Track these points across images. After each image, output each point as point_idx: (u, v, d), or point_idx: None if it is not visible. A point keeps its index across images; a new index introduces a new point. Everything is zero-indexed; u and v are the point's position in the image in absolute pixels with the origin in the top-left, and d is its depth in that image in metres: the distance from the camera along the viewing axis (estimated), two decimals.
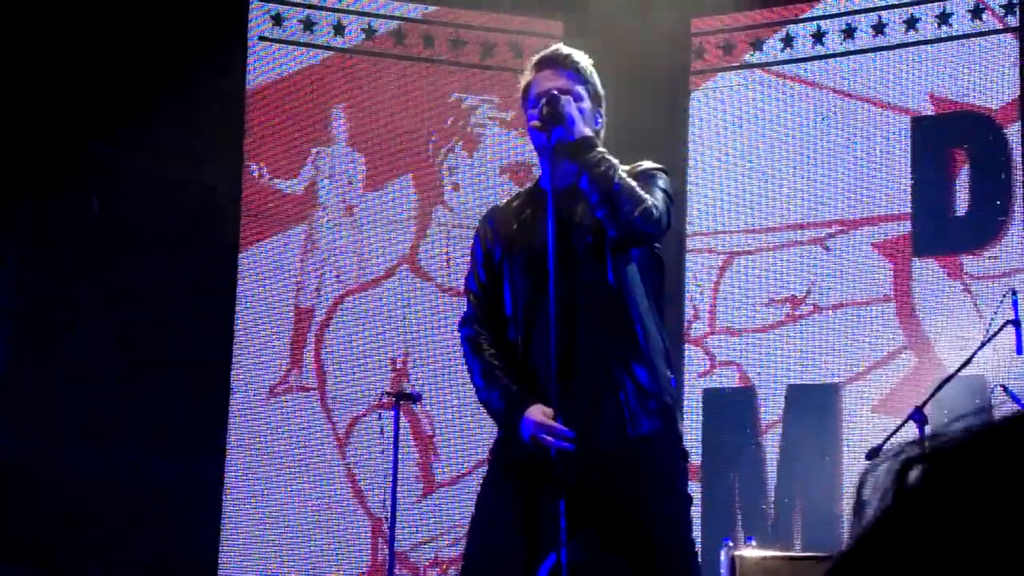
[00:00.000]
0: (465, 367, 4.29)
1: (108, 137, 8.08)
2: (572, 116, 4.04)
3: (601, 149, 4.06)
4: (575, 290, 4.04)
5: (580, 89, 4.18)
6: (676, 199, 4.43)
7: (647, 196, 4.02)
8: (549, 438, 3.93)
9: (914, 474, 1.10)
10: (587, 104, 4.17)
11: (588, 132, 4.07)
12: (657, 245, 4.19)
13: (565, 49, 4.28)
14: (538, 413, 3.98)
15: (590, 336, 4.04)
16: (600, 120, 4.24)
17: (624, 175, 4.03)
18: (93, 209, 8.09)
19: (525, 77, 4.26)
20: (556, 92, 4.07)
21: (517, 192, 4.39)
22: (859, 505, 1.13)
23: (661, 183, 4.14)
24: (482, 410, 4.25)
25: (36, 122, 7.97)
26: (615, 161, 4.04)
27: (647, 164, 4.21)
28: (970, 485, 1.08)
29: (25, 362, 7.88)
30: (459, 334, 4.27)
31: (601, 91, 4.26)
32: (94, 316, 7.90)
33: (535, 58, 4.27)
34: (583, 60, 4.24)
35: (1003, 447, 1.09)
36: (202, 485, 8.07)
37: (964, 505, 1.07)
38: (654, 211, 4.01)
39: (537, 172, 4.35)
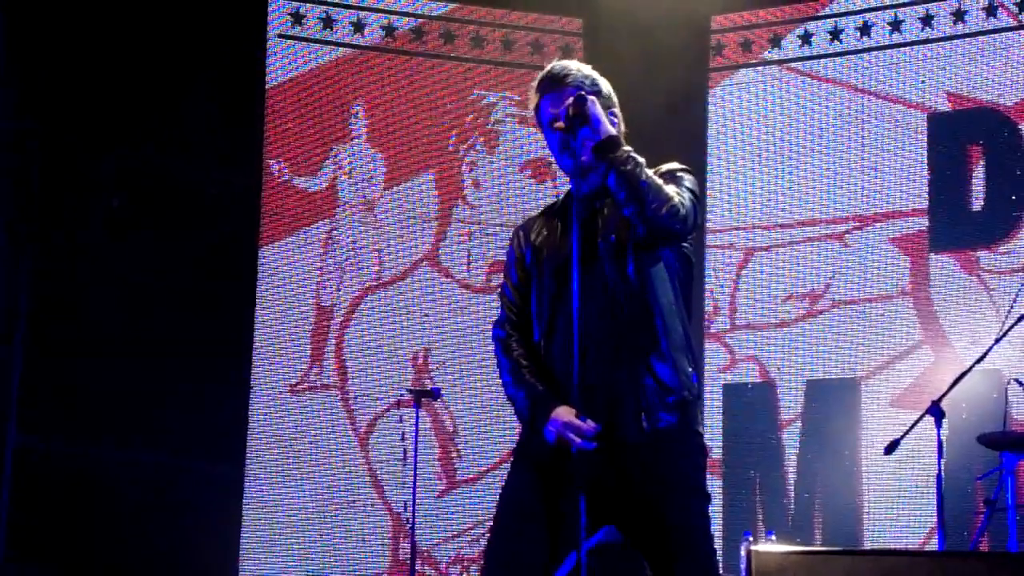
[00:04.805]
0: (491, 366, 4.33)
1: (128, 135, 8.11)
2: (598, 116, 4.06)
3: (627, 148, 4.08)
4: (597, 288, 4.07)
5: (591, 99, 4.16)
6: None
7: (674, 194, 4.05)
8: (575, 438, 3.95)
9: None
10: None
11: (613, 131, 4.09)
12: (685, 244, 4.21)
13: (558, 66, 4.20)
14: (564, 413, 4.01)
15: (610, 333, 4.05)
16: (616, 121, 4.25)
17: (651, 173, 4.06)
18: (113, 207, 8.12)
19: (532, 100, 4.24)
20: (582, 94, 4.08)
21: (551, 202, 4.42)
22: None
23: (688, 183, 4.16)
24: (503, 406, 4.29)
25: (58, 120, 8.02)
26: (641, 160, 4.06)
27: (672, 165, 4.23)
28: None
29: (46, 362, 7.91)
30: (491, 336, 4.31)
31: (609, 92, 4.23)
32: (114, 316, 7.92)
33: (535, 81, 4.23)
34: (582, 71, 4.20)
35: None
36: (223, 482, 8.10)
37: None
38: (681, 209, 4.03)
39: (556, 168, 4.36)
